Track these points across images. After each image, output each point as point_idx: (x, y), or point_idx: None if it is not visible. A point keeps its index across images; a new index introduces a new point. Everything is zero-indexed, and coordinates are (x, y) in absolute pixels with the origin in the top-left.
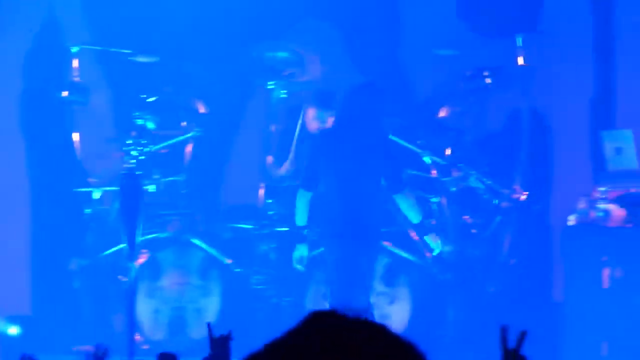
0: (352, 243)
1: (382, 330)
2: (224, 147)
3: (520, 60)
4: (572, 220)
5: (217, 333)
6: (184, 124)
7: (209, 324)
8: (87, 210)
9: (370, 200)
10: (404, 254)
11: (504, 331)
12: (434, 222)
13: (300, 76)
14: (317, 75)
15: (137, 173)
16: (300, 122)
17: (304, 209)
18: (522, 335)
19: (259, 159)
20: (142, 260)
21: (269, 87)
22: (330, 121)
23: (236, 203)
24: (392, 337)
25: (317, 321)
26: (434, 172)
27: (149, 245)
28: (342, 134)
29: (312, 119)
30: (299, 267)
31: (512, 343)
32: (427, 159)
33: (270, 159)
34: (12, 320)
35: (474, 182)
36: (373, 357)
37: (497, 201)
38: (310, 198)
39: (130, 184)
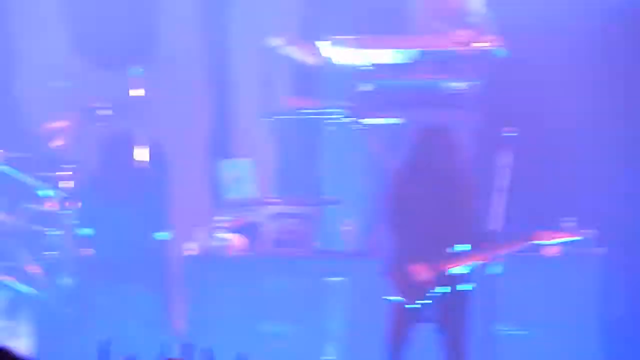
0: None
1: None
2: None
3: (138, 91)
4: (193, 249)
5: None
6: None
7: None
8: None
9: None
10: (26, 288)
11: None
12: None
13: None
14: None
15: None
16: None
17: None
18: None
19: None
20: None
21: None
22: None
23: None
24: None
25: None
26: (51, 205)
27: None
28: None
29: None
30: None
31: None
32: (42, 192)
33: None
34: None
35: None
36: None
37: None
38: None
39: None
